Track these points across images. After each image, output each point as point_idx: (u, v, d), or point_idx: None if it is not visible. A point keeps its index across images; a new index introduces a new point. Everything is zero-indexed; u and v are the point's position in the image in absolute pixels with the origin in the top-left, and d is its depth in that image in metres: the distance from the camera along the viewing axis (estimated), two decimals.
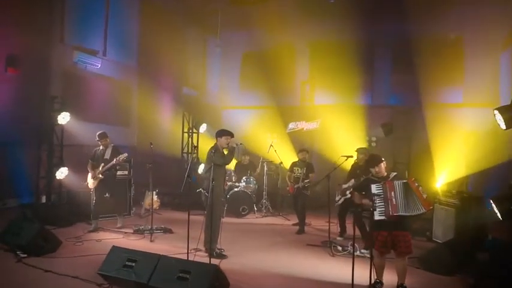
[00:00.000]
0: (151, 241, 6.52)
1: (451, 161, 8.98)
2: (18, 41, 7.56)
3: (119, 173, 7.86)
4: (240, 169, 9.54)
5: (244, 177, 9.11)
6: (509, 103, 4.76)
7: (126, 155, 6.85)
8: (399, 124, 10.59)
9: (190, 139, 9.91)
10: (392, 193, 4.43)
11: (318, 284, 4.98)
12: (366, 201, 4.57)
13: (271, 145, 9.43)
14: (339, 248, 6.31)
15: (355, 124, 10.24)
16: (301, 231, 7.53)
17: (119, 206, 7.52)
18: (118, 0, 10.37)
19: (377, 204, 4.43)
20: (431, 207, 4.44)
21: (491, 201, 4.76)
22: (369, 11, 10.52)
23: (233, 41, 12.91)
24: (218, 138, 5.95)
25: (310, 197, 7.77)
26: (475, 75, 10.28)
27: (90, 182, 7.02)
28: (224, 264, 5.24)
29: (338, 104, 10.79)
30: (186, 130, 10.25)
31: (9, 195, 7.64)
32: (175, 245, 6.29)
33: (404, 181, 4.48)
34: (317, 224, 8.25)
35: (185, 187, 9.72)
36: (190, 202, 9.41)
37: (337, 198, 6.93)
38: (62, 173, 7.26)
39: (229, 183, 9.20)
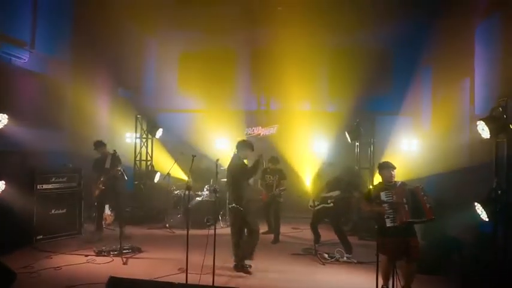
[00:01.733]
0: (124, 264, 5.70)
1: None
2: None
3: (65, 185, 7.07)
4: (197, 177, 8.94)
5: (206, 186, 8.57)
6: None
7: (120, 168, 6.56)
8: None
9: (145, 146, 8.92)
10: (404, 199, 4.57)
11: None
12: (379, 208, 4.60)
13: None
14: (325, 255, 6.29)
15: (308, 130, 10.42)
16: (276, 240, 7.34)
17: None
18: None
19: (389, 211, 4.55)
20: (433, 217, 4.64)
21: (478, 204, 5.18)
22: (311, 21, 10.88)
23: (171, 41, 12.20)
24: (247, 150, 5.69)
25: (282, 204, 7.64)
26: (400, 87, 11.28)
27: (95, 192, 7.01)
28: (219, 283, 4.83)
29: (290, 110, 10.86)
30: (138, 136, 9.22)
31: None
32: (157, 266, 5.62)
33: (412, 188, 4.65)
34: (285, 231, 8.12)
35: (139, 199, 8.98)
36: (148, 216, 8.70)
37: (315, 203, 6.89)
38: None
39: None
